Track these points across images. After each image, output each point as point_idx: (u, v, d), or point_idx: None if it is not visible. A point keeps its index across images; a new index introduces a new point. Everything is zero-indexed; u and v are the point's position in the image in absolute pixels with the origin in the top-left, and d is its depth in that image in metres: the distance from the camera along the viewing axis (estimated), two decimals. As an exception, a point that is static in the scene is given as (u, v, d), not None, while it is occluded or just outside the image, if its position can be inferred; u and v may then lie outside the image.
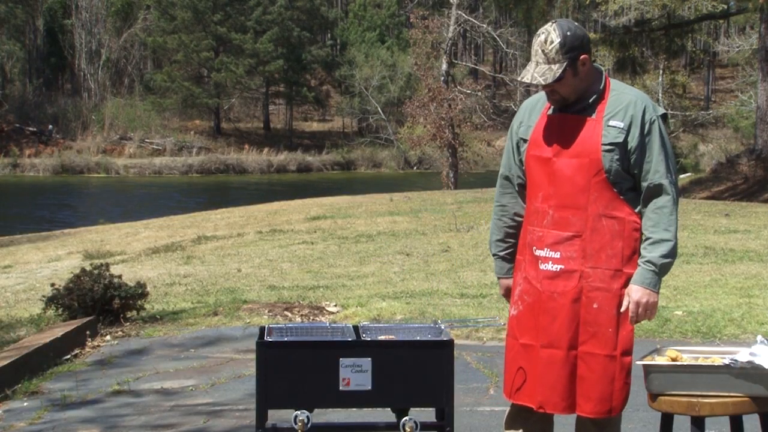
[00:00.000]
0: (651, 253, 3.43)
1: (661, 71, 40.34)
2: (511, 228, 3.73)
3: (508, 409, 3.71)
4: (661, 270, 3.44)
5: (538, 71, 3.44)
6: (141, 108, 56.89)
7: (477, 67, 52.70)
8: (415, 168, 54.42)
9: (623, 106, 3.47)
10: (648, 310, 3.44)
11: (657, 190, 3.44)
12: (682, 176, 33.32)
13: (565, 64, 3.41)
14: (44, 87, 60.78)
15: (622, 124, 3.45)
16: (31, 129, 54.21)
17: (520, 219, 3.71)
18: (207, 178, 49.35)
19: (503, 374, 3.74)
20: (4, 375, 5.91)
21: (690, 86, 54.40)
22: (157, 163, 51.24)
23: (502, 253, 3.78)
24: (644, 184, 3.46)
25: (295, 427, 3.48)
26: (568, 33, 3.42)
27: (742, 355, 3.41)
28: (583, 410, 3.49)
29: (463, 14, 35.22)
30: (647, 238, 3.45)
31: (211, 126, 59.21)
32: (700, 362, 3.48)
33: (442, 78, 34.21)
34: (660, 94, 40.75)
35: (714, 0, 29.95)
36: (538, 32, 3.49)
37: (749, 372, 3.35)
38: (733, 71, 52.38)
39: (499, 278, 3.83)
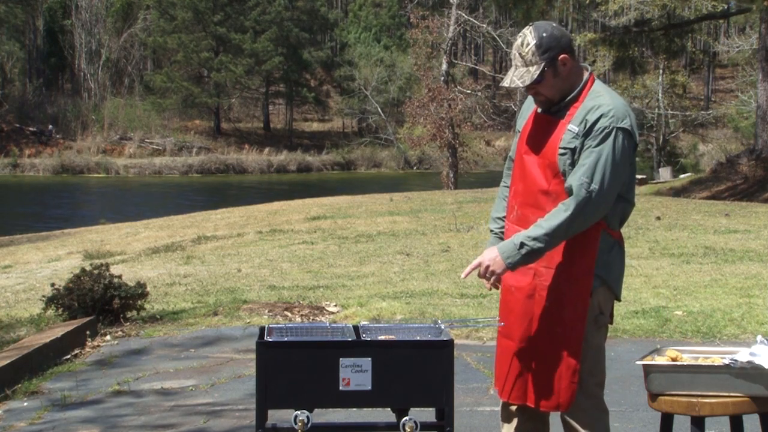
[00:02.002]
0: (525, 232, 3.41)
1: (661, 71, 40.34)
2: None
3: (501, 402, 3.75)
4: (520, 246, 3.38)
5: (516, 74, 3.46)
6: (141, 108, 56.94)
7: (477, 67, 52.78)
8: (415, 168, 54.47)
9: (585, 111, 3.45)
10: (486, 272, 3.46)
11: (569, 191, 3.40)
12: (681, 176, 33.31)
13: (542, 65, 3.42)
14: (44, 87, 60.84)
15: (577, 129, 3.43)
16: (31, 129, 54.25)
17: None
18: (207, 178, 49.37)
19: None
20: (4, 375, 5.91)
21: (690, 86, 54.41)
22: (157, 163, 51.28)
23: (498, 231, 3.82)
24: None
25: (295, 427, 3.47)
26: (544, 34, 3.43)
27: (742, 355, 3.41)
28: (532, 402, 3.57)
29: (463, 14, 35.24)
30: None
31: (211, 126, 59.25)
32: (700, 362, 3.48)
33: (442, 78, 34.22)
34: (660, 94, 40.76)
35: (714, 0, 29.95)
36: (517, 38, 3.51)
37: (749, 372, 3.35)
38: (733, 71, 52.41)
39: (487, 246, 3.82)
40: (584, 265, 3.46)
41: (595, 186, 3.35)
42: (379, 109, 56.79)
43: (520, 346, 3.56)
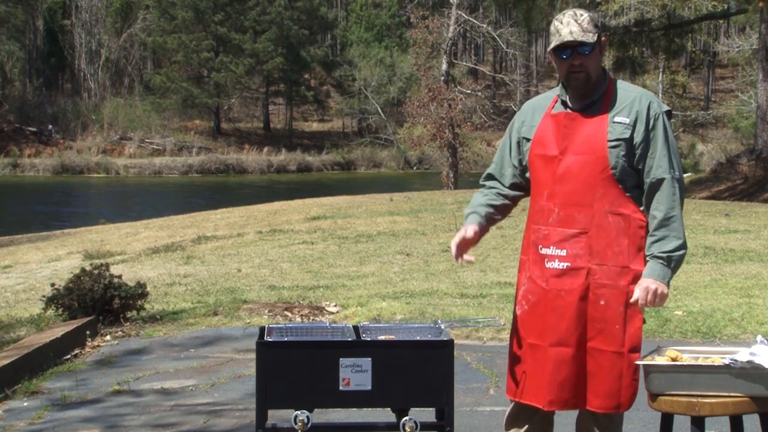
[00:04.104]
0: (659, 248, 3.43)
1: (661, 71, 40.37)
2: (497, 200, 3.73)
3: (509, 408, 3.71)
4: (668, 261, 3.43)
5: (576, 33, 3.45)
6: (141, 108, 56.92)
7: (477, 67, 52.75)
8: (415, 168, 54.42)
9: (629, 102, 3.50)
10: (657, 298, 3.42)
11: (658, 185, 3.46)
12: (682, 176, 33.32)
13: (596, 35, 3.46)
14: (44, 87, 60.81)
15: (627, 120, 3.47)
16: (31, 129, 54.24)
17: (505, 200, 3.72)
18: (207, 178, 49.33)
19: (506, 374, 3.73)
20: (4, 375, 5.91)
21: (690, 86, 54.43)
22: (157, 163, 51.25)
23: (482, 211, 3.69)
24: (647, 180, 3.47)
25: (295, 427, 3.48)
26: (590, 13, 3.51)
27: (742, 355, 3.40)
28: (591, 405, 3.51)
29: (463, 14, 35.23)
30: (652, 236, 3.45)
31: (211, 126, 59.22)
32: (700, 362, 3.48)
33: (442, 78, 34.21)
34: (660, 94, 40.76)
35: (714, 0, 29.94)
36: (557, 17, 3.51)
37: (749, 372, 3.34)
38: (733, 71, 52.39)
39: (465, 224, 3.69)
40: (637, 258, 3.47)
41: (676, 172, 3.48)
42: (379, 109, 56.76)
43: (578, 350, 3.48)
